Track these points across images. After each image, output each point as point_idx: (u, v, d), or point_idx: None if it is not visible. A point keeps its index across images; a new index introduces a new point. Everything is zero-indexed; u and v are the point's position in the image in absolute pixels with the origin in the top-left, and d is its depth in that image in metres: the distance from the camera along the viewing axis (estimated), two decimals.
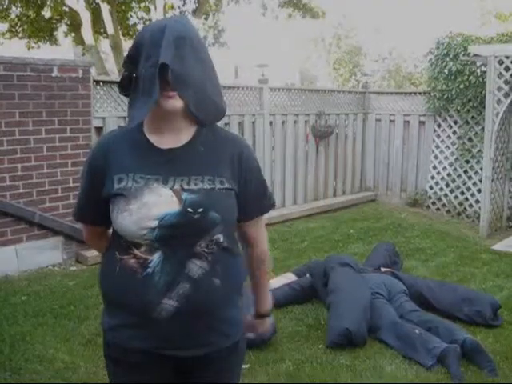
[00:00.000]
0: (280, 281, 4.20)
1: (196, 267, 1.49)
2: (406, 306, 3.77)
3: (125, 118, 5.28)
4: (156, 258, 1.47)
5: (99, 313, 3.74)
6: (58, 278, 4.59)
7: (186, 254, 1.48)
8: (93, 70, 5.21)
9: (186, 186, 1.48)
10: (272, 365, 3.22)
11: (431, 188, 7.45)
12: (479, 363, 3.19)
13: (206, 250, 1.50)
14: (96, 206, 1.57)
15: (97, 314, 3.82)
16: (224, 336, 1.60)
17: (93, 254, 4.94)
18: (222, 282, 1.54)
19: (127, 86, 1.52)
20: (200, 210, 1.46)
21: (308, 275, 4.27)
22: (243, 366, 3.03)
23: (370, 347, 3.46)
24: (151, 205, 1.44)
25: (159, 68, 1.39)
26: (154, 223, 1.44)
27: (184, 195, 1.46)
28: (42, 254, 4.81)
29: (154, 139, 1.53)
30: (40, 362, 3.18)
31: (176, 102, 1.44)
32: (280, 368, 3.19)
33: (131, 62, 1.49)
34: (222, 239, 1.52)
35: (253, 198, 1.62)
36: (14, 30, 13.29)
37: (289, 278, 4.25)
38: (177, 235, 1.46)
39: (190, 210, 1.45)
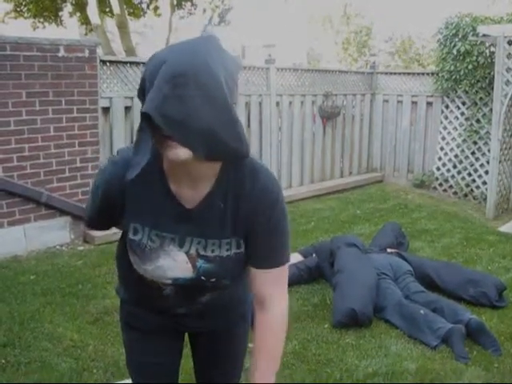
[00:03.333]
0: None
1: (207, 298, 1.55)
2: (412, 286, 3.79)
3: (132, 98, 5.28)
4: (169, 289, 1.52)
5: (107, 292, 3.82)
6: (66, 257, 4.63)
7: (198, 294, 1.54)
8: (99, 50, 5.19)
9: (202, 252, 1.41)
10: None
11: (438, 169, 7.42)
12: (483, 343, 3.22)
13: (216, 293, 1.55)
14: (110, 220, 1.53)
15: (104, 293, 3.86)
16: (234, 315, 1.70)
17: (100, 234, 4.96)
18: (231, 291, 1.59)
19: None
20: (213, 279, 1.45)
21: (314, 255, 4.29)
22: (249, 345, 3.09)
23: (375, 327, 3.48)
24: (166, 268, 1.43)
25: (143, 116, 1.18)
26: (168, 281, 1.47)
27: (199, 263, 1.42)
28: (49, 234, 4.84)
29: (172, 186, 1.38)
30: (49, 340, 3.23)
31: (179, 152, 1.20)
32: (286, 347, 3.19)
33: (141, 93, 1.26)
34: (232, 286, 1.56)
35: (266, 248, 1.45)
36: (18, 9, 13.23)
37: (295, 258, 4.26)
38: (187, 288, 1.50)
39: (203, 278, 1.45)
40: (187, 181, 1.36)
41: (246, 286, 1.66)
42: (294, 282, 4.07)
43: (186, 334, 1.78)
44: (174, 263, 1.43)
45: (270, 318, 1.49)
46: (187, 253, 1.42)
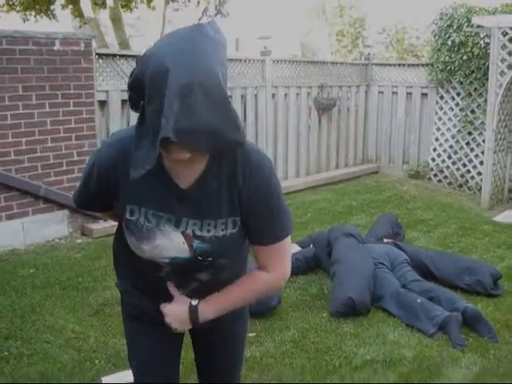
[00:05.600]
0: None
1: (204, 276, 1.55)
2: (408, 275, 3.83)
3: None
4: (167, 267, 1.52)
5: (107, 284, 3.85)
6: (65, 250, 4.65)
7: (195, 272, 1.54)
8: (94, 43, 5.19)
9: (198, 233, 1.44)
10: (278, 333, 3.29)
11: (433, 160, 7.47)
12: (479, 331, 3.27)
13: (213, 271, 1.54)
14: (102, 201, 1.55)
15: (104, 285, 3.88)
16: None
17: (98, 227, 4.99)
18: (229, 272, 1.58)
19: (137, 104, 1.35)
20: (210, 258, 1.47)
21: (312, 246, 4.32)
22: (250, 335, 3.13)
23: (373, 316, 3.53)
24: (162, 248, 1.45)
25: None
26: (166, 261, 1.48)
27: (195, 243, 1.45)
28: (47, 228, 4.86)
29: (168, 165, 1.40)
30: (50, 332, 3.25)
31: (182, 154, 1.29)
32: (285, 336, 3.26)
33: (136, 88, 1.30)
34: (229, 266, 1.56)
35: (261, 226, 1.49)
36: (11, 2, 13.15)
37: (293, 248, 4.29)
38: (186, 267, 1.50)
39: (200, 258, 1.47)
40: (182, 163, 1.38)
41: (243, 265, 1.68)
42: (291, 272, 4.10)
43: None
44: (170, 243, 1.44)
45: (261, 273, 1.55)
46: (183, 233, 1.44)
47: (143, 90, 1.27)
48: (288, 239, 1.53)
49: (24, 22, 13.39)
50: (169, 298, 1.57)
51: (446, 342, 3.19)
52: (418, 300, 3.45)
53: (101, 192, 1.51)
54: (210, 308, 1.53)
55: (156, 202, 1.43)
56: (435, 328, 3.26)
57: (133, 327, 1.72)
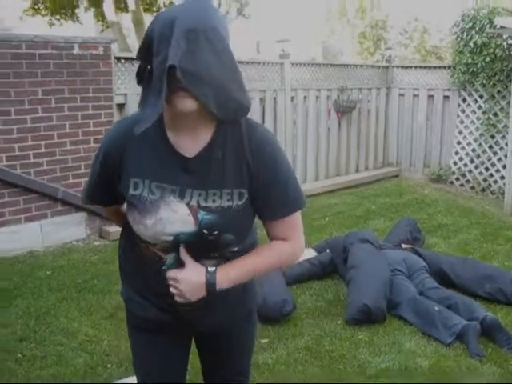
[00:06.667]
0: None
1: (209, 267, 1.50)
2: (426, 282, 3.76)
3: None
4: (170, 258, 1.49)
5: None
6: (82, 253, 4.68)
7: (199, 259, 1.49)
8: (114, 47, 5.22)
9: (203, 203, 1.42)
10: (291, 339, 3.25)
11: (455, 164, 7.35)
12: (499, 341, 3.19)
13: (218, 255, 1.50)
14: (109, 190, 1.54)
15: (118, 288, 3.87)
16: (239, 310, 1.67)
17: (115, 230, 5.01)
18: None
19: (143, 76, 1.39)
20: (215, 232, 1.43)
21: (328, 251, 4.28)
22: (262, 341, 3.10)
23: (389, 323, 3.47)
24: (166, 221, 1.42)
25: (168, 69, 1.25)
26: (169, 238, 1.44)
27: (200, 215, 1.42)
28: (65, 230, 4.90)
29: (172, 138, 1.42)
30: (64, 335, 3.27)
31: (188, 103, 1.30)
32: (299, 343, 3.22)
33: (145, 53, 1.36)
34: (236, 249, 1.51)
35: (271, 200, 1.48)
36: (36, 7, 13.33)
37: (309, 253, 4.25)
38: (190, 248, 1.47)
39: (205, 231, 1.43)
40: (187, 132, 1.41)
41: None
42: (307, 277, 4.08)
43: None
44: (174, 215, 1.42)
45: (277, 242, 1.55)
46: (188, 204, 1.42)
47: (151, 51, 1.32)
48: (299, 214, 1.54)
49: (50, 26, 13.56)
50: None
51: (463, 351, 3.12)
52: (436, 308, 3.38)
53: (105, 176, 1.50)
54: (227, 275, 1.48)
55: (160, 173, 1.43)
56: (453, 337, 3.19)
57: (137, 337, 1.71)
